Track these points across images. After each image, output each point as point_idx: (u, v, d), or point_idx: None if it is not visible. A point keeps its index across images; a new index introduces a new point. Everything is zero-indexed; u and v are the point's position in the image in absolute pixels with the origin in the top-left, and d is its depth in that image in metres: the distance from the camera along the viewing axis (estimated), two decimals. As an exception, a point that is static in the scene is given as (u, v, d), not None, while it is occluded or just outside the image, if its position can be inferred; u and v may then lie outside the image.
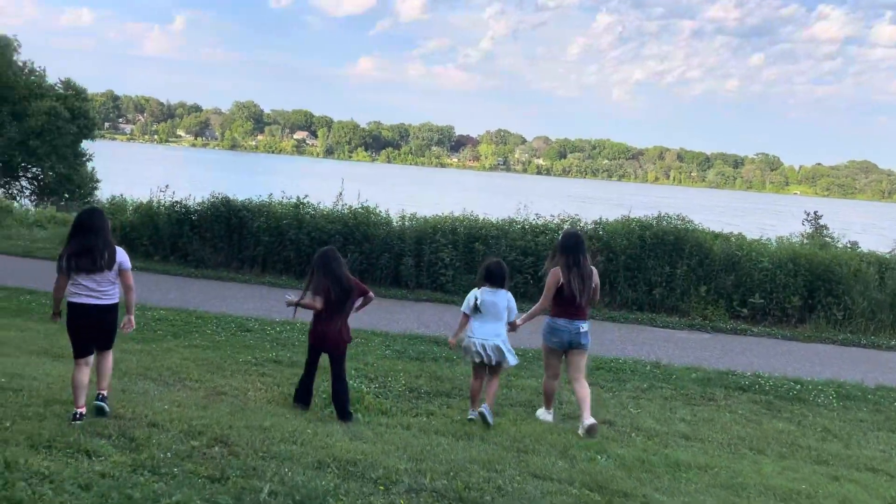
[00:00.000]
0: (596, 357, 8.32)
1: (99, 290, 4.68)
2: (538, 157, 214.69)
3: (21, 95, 28.36)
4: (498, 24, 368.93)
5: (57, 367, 6.29)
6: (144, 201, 14.83)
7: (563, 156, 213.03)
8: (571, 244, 6.00)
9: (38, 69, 30.60)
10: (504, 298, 5.82)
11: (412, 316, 11.02)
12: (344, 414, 5.57)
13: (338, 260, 5.66)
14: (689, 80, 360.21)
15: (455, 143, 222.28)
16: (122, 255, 4.80)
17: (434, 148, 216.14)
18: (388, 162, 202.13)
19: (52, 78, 30.91)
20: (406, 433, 5.20)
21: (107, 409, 4.73)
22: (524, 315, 6.09)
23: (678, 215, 13.23)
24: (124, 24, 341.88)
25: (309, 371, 5.82)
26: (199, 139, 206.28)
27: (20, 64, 29.78)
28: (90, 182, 31.38)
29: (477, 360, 5.78)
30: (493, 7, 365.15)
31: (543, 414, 6.24)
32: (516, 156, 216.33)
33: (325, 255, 5.67)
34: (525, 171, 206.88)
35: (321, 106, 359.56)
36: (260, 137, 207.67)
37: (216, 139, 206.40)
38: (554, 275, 5.93)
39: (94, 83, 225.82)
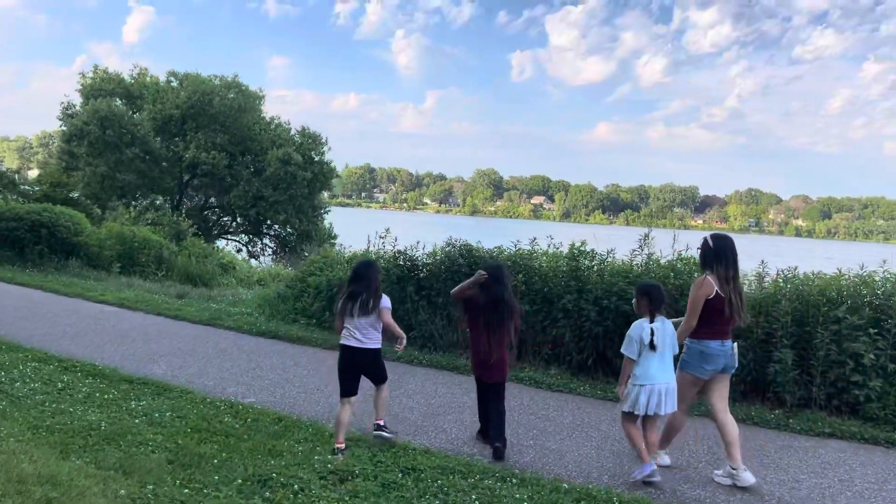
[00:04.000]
0: None
1: (361, 335, 5.04)
2: (796, 218, 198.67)
3: (262, 147, 27.38)
4: (746, 82, 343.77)
5: None
6: (360, 251, 10.86)
7: (826, 216, 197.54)
8: (727, 247, 4.75)
9: (284, 123, 29.83)
10: (671, 326, 4.80)
11: (828, 473, 5.23)
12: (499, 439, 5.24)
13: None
14: None
15: (700, 205, 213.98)
16: (385, 301, 5.14)
17: (677, 209, 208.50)
18: (627, 224, 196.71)
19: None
20: None
21: (386, 434, 5.08)
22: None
23: None
24: (384, 105, 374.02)
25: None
26: (442, 206, 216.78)
27: (267, 119, 29.17)
28: (328, 238, 29.73)
29: (644, 412, 4.69)
30: (739, 65, 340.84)
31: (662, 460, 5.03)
32: (770, 216, 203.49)
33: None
34: (781, 232, 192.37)
35: (558, 171, 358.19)
36: (499, 203, 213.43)
37: (458, 205, 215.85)
38: (706, 286, 4.70)
39: (354, 159, 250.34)
